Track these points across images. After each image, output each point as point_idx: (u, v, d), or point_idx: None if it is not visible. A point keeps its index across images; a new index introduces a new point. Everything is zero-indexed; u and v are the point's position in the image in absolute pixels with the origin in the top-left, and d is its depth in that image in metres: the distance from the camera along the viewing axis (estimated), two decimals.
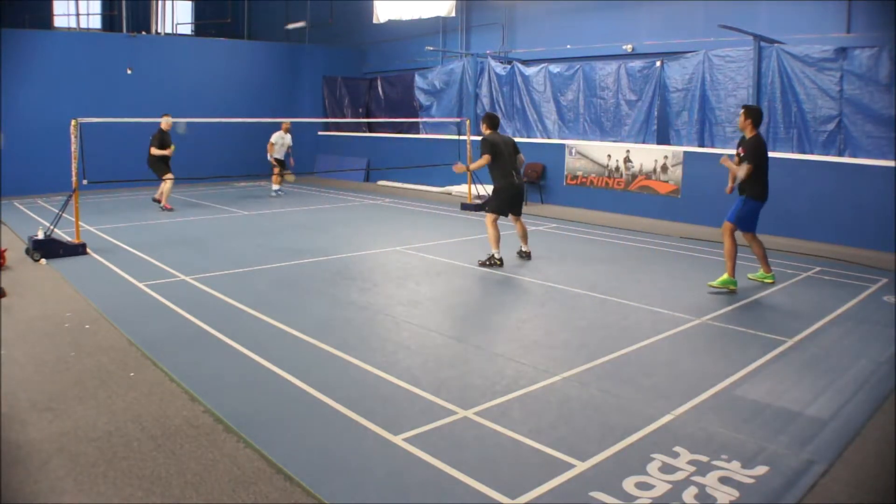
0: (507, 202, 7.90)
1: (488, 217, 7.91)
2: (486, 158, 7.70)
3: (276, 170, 14.54)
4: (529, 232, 8.75)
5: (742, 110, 6.98)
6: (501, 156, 7.73)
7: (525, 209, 12.93)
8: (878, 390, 4.41)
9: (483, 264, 7.90)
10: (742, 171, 6.71)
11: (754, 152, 6.74)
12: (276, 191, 14.83)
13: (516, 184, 7.88)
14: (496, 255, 7.84)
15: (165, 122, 11.95)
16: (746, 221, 6.91)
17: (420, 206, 13.44)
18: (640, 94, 12.72)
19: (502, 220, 8.01)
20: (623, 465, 3.38)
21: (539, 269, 7.78)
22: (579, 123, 13.84)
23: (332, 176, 18.41)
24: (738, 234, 6.96)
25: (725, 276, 6.81)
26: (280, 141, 14.48)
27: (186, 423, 3.83)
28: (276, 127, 14.49)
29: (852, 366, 4.84)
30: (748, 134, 6.86)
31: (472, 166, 8.49)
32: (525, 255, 8.26)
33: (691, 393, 4.28)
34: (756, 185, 6.82)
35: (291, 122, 14.62)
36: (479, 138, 8.17)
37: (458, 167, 8.45)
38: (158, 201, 12.32)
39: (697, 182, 11.35)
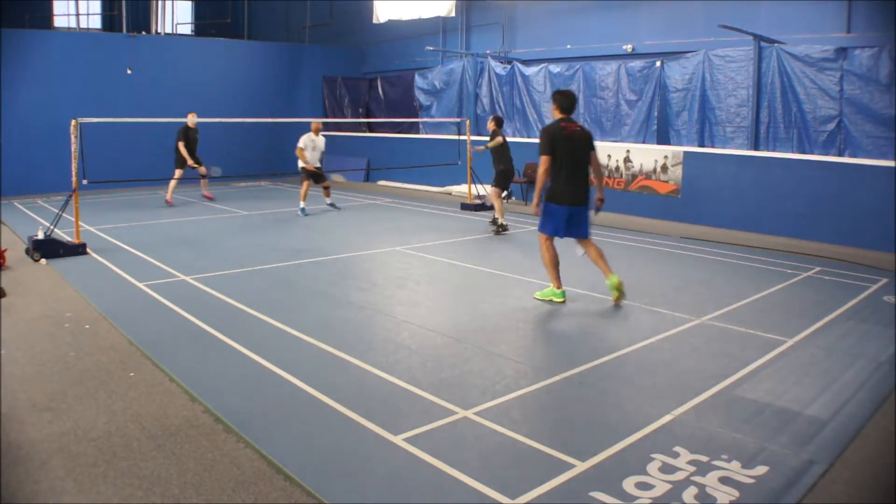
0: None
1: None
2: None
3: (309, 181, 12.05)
4: (528, 232, 8.72)
5: None
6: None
7: (525, 208, 13.06)
8: (878, 390, 4.40)
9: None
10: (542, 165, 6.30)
11: (541, 139, 6.28)
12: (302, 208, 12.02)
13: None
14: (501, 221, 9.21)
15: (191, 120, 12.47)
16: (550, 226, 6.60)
17: (420, 206, 13.43)
18: (640, 94, 12.71)
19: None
20: (623, 465, 3.38)
21: (539, 270, 7.76)
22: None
23: (332, 176, 18.41)
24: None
25: (551, 287, 6.51)
26: (311, 144, 12.01)
27: (186, 423, 3.83)
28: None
29: (852, 366, 4.84)
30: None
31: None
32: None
33: (691, 393, 4.28)
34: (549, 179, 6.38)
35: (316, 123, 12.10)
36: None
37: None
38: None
39: (697, 182, 11.35)
